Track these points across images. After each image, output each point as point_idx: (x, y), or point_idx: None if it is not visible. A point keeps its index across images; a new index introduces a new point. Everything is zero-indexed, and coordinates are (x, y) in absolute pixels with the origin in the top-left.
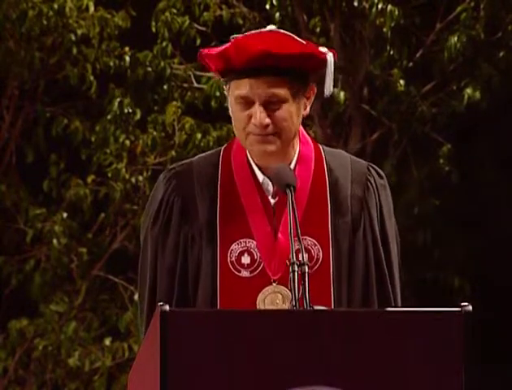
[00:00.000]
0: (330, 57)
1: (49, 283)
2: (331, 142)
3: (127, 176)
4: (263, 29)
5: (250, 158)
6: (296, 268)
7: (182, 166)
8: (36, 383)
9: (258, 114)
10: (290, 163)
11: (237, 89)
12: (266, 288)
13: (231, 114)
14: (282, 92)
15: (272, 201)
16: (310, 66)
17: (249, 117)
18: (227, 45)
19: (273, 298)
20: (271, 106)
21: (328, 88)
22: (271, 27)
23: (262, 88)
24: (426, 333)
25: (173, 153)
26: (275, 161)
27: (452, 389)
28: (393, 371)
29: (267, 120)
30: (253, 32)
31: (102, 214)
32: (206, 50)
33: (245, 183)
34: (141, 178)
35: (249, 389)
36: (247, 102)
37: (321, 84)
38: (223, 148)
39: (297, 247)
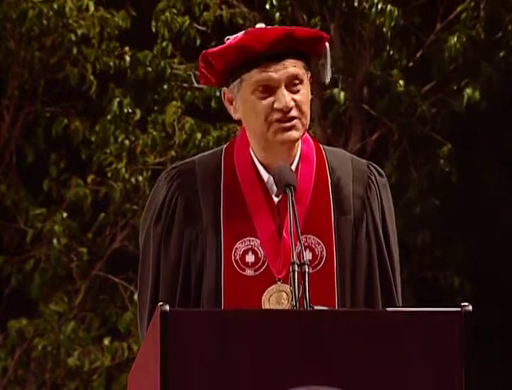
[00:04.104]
0: (327, 46)
1: (48, 283)
2: (331, 142)
3: (127, 176)
4: (256, 26)
5: (254, 157)
6: (296, 268)
7: (184, 166)
8: (35, 382)
9: (284, 97)
10: (293, 162)
11: (256, 77)
12: (271, 287)
13: (244, 111)
14: (300, 72)
15: (276, 199)
16: (316, 51)
17: (271, 105)
18: (235, 38)
19: (278, 297)
20: (292, 88)
21: (328, 74)
22: (261, 25)
23: (284, 70)
24: (426, 333)
25: (173, 153)
26: (289, 153)
27: (452, 389)
28: (393, 371)
29: (292, 103)
30: (247, 30)
31: (102, 214)
32: (210, 51)
33: (249, 181)
34: (140, 178)
35: (249, 389)
36: (267, 89)
37: (323, 85)
38: (224, 147)
39: (300, 247)
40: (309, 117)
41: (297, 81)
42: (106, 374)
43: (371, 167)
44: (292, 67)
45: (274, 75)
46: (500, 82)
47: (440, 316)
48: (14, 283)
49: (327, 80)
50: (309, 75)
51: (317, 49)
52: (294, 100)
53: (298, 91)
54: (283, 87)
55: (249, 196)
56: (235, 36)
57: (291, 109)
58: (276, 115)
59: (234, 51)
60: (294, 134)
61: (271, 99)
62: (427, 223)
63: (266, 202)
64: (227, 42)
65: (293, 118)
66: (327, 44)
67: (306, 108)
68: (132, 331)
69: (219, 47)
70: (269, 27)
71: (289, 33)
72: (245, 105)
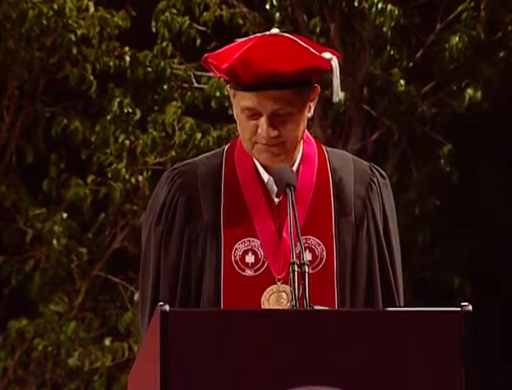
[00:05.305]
0: (335, 63)
1: (48, 283)
2: (331, 142)
3: (127, 176)
4: (267, 33)
5: (254, 158)
6: (296, 268)
7: (185, 166)
8: (35, 383)
9: (266, 126)
10: (294, 163)
11: (243, 101)
12: (271, 287)
13: (236, 119)
14: (288, 106)
15: (276, 200)
16: (314, 75)
17: (256, 127)
18: (232, 58)
19: (277, 297)
20: (277, 118)
21: (336, 93)
22: (275, 30)
23: (268, 102)
24: (426, 333)
25: (173, 153)
26: (281, 163)
27: (452, 389)
28: (393, 371)
29: (275, 133)
30: (257, 36)
31: (102, 214)
32: (211, 58)
33: (250, 182)
34: (140, 178)
35: (249, 389)
36: (253, 114)
37: (324, 84)
38: (226, 147)
39: (300, 247)
40: (299, 137)
41: (282, 113)
42: (107, 375)
43: (373, 169)
44: (279, 99)
45: (257, 105)
46: (500, 82)
47: (440, 316)
48: (14, 283)
49: (335, 100)
50: (310, 93)
51: (314, 74)
52: (278, 129)
53: (285, 121)
54: (265, 117)
55: (249, 196)
56: (243, 39)
57: (273, 138)
58: (260, 138)
59: (223, 74)
60: (277, 158)
61: (256, 122)
62: (427, 222)
63: (267, 203)
64: (233, 44)
65: (276, 144)
66: (333, 64)
67: (294, 133)
68: (132, 331)
69: (217, 57)
70: (277, 33)
71: (275, 71)
72: (236, 117)
